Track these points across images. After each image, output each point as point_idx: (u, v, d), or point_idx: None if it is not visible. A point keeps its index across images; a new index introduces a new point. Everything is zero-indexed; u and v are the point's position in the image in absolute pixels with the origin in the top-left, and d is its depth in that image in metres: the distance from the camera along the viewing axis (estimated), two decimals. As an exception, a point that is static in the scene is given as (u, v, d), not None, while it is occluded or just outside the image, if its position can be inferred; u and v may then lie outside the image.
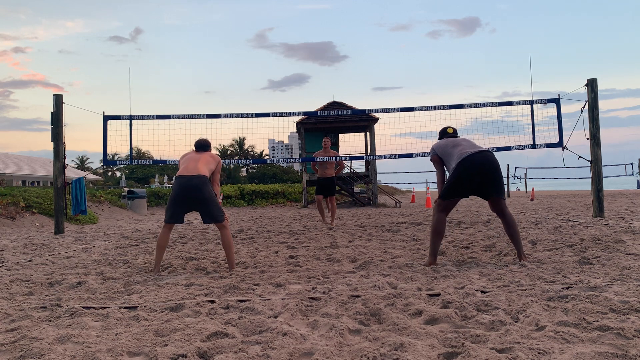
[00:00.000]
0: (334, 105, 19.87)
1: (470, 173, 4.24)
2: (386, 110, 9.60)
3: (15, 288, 3.82)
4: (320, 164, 9.52)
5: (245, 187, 23.09)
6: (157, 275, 4.32)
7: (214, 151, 5.06)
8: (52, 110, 8.88)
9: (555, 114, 9.29)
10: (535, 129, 9.38)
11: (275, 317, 2.79)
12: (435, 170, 4.73)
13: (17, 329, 2.69)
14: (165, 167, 59.18)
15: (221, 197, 20.13)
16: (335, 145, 22.00)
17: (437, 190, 4.85)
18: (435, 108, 9.53)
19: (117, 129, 9.33)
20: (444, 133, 4.88)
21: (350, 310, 2.88)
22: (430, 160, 4.78)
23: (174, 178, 4.71)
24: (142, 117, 9.31)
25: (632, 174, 27.16)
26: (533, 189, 24.24)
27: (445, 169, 4.61)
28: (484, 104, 9.64)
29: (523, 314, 2.68)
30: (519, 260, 4.37)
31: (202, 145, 4.86)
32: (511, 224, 4.42)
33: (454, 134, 4.84)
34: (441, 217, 4.40)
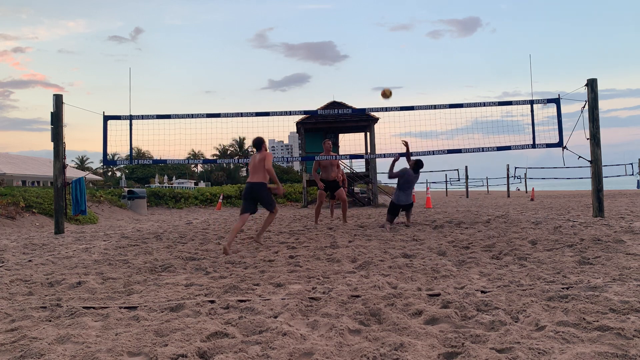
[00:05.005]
0: (334, 105, 19.82)
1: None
2: (386, 110, 9.59)
3: (15, 288, 3.82)
4: (324, 167, 9.42)
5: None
6: (223, 247, 5.58)
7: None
8: (52, 110, 8.89)
9: (555, 114, 9.29)
10: (535, 129, 9.38)
11: (275, 317, 2.79)
12: (393, 173, 8.42)
13: (17, 329, 2.69)
14: (165, 167, 59.19)
15: (221, 197, 20.10)
16: (335, 146, 21.96)
17: (389, 170, 8.52)
18: (435, 107, 9.52)
19: (117, 129, 9.33)
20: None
21: (350, 310, 2.88)
22: (396, 173, 8.34)
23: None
24: (142, 117, 9.30)
25: (632, 174, 27.11)
26: (533, 189, 24.18)
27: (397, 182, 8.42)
28: (484, 103, 9.64)
29: (523, 314, 2.68)
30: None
31: (255, 144, 6.26)
32: None
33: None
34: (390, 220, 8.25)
